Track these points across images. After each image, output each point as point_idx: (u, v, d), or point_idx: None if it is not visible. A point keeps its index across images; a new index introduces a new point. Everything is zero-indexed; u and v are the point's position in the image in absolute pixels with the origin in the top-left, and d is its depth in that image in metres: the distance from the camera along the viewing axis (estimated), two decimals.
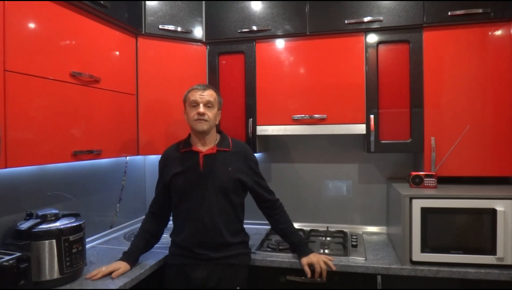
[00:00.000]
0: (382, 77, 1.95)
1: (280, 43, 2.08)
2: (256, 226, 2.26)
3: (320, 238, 2.11)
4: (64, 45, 1.51)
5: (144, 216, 1.81)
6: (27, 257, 1.26)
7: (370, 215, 2.30)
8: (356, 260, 1.73)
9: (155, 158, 2.39)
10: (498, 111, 1.81)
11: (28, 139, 1.34)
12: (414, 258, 1.67)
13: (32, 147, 1.36)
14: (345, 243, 1.97)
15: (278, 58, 2.08)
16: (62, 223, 1.48)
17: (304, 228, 2.28)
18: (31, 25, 1.37)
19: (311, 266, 1.66)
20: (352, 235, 2.11)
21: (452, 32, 1.86)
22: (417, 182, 1.84)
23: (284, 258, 1.78)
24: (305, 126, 2.02)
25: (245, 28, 2.09)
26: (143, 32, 2.02)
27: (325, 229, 2.23)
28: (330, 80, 2.00)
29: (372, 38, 1.95)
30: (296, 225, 2.24)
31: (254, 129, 2.09)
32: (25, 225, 1.41)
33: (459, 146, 1.84)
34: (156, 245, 1.78)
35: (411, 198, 1.68)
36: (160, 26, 2.04)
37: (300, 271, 1.71)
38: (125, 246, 1.75)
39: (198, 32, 2.15)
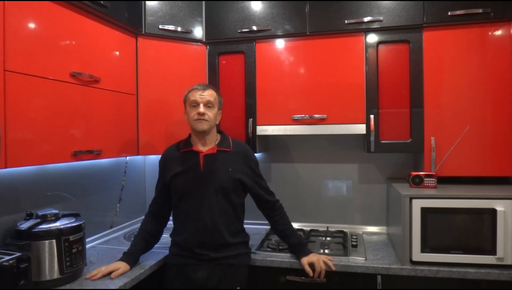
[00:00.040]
0: (382, 77, 1.95)
1: (280, 43, 2.08)
2: (256, 226, 2.26)
3: (320, 238, 2.11)
4: (64, 45, 1.51)
5: (143, 216, 1.81)
6: (27, 257, 1.26)
7: (370, 215, 2.30)
8: (356, 260, 1.73)
9: (155, 158, 2.39)
10: (498, 111, 1.81)
11: (28, 139, 1.34)
12: (414, 258, 1.67)
13: (32, 147, 1.36)
14: (345, 243, 1.97)
15: (278, 58, 2.08)
16: (62, 223, 1.48)
17: (304, 228, 2.28)
18: (31, 25, 1.37)
19: (311, 265, 1.66)
20: (352, 235, 2.11)
21: (452, 32, 1.86)
22: (417, 182, 1.84)
23: (284, 258, 1.78)
24: (305, 126, 2.02)
25: (245, 28, 2.09)
26: (143, 32, 2.02)
27: (325, 229, 2.23)
28: (330, 80, 2.00)
29: (372, 38, 1.95)
30: (296, 225, 2.26)
31: (254, 129, 2.09)
32: (25, 225, 1.41)
33: (459, 146, 1.84)
34: (156, 245, 1.78)
35: (411, 198, 1.68)
36: (160, 26, 2.04)
37: (300, 271, 1.71)
38: (125, 246, 1.75)
39: (198, 32, 2.15)
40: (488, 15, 1.79)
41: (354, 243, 1.95)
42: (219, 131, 1.77)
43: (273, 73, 2.08)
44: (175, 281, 1.65)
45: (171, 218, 1.79)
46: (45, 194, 1.72)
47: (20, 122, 1.31)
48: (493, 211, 1.60)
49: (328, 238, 2.09)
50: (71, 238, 1.46)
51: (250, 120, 2.09)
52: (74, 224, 1.49)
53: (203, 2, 2.16)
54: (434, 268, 1.63)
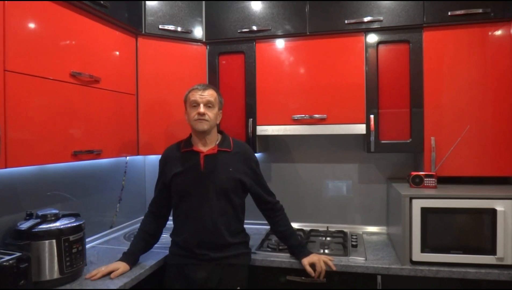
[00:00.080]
0: (382, 77, 1.95)
1: (280, 43, 2.08)
2: (256, 226, 2.26)
3: (320, 238, 2.11)
4: (64, 45, 1.51)
5: (143, 216, 1.81)
6: (27, 257, 1.26)
7: (370, 215, 2.30)
8: (356, 260, 1.73)
9: (155, 158, 2.39)
10: (498, 111, 1.81)
11: (28, 139, 1.34)
12: (414, 258, 1.67)
13: (32, 147, 1.36)
14: (345, 243, 1.97)
15: (278, 58, 2.08)
16: (62, 223, 1.48)
17: (304, 228, 2.28)
18: (31, 25, 1.37)
19: (312, 266, 1.66)
20: (352, 235, 2.11)
21: (452, 32, 1.86)
22: (417, 182, 1.84)
23: (284, 258, 1.78)
24: (305, 126, 2.02)
25: (245, 28, 2.09)
26: (143, 32, 2.02)
27: (325, 229, 2.23)
28: (330, 80, 2.00)
29: (372, 38, 1.95)
30: (296, 225, 2.26)
31: (254, 129, 2.09)
32: (25, 225, 1.41)
33: (459, 146, 1.84)
34: (156, 245, 1.78)
35: (411, 198, 1.68)
36: (160, 26, 2.04)
37: (300, 271, 1.71)
38: (125, 246, 1.75)
39: (198, 32, 2.15)
40: (488, 15, 1.79)
41: (354, 243, 1.95)
42: (219, 131, 1.77)
43: (273, 73, 2.08)
44: (175, 281, 1.65)
45: (170, 218, 1.79)
46: (45, 194, 1.72)
47: (20, 122, 1.31)
48: (493, 211, 1.60)
49: (328, 238, 2.09)
50: (71, 238, 1.46)
51: (250, 120, 2.09)
52: (74, 224, 1.49)
53: (203, 2, 2.16)
54: (434, 268, 1.63)
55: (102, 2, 1.66)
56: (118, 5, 1.80)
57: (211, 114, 1.63)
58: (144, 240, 1.71)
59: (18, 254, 1.24)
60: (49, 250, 1.40)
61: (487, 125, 1.82)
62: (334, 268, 1.67)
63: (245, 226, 1.77)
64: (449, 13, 1.83)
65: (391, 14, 1.91)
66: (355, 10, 1.95)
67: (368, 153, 1.97)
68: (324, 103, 2.00)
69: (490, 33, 1.82)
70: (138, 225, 1.79)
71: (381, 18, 1.91)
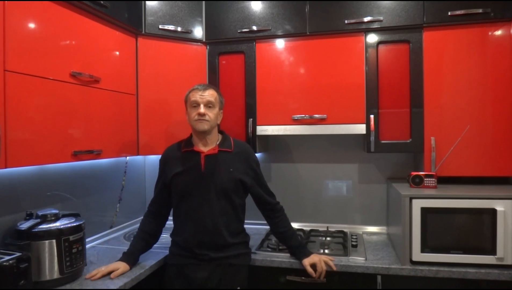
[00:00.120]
0: (382, 77, 1.95)
1: (280, 43, 2.08)
2: (256, 226, 2.26)
3: (320, 238, 2.11)
4: (64, 45, 1.51)
5: (142, 216, 1.81)
6: (27, 257, 1.26)
7: (370, 215, 2.30)
8: (356, 260, 1.73)
9: (155, 158, 2.39)
10: (498, 111, 1.81)
11: (28, 139, 1.34)
12: (414, 258, 1.67)
13: (32, 147, 1.36)
14: (345, 243, 1.97)
15: (278, 58, 2.08)
16: (62, 223, 1.48)
17: (304, 228, 2.28)
18: (31, 25, 1.37)
19: (313, 266, 1.66)
20: (352, 235, 2.11)
21: (452, 32, 1.86)
22: (417, 182, 1.84)
23: (284, 258, 1.78)
24: (305, 126, 2.02)
25: (245, 28, 2.09)
26: (143, 32, 2.02)
27: (325, 229, 2.23)
28: (330, 80, 2.00)
29: (372, 38, 1.95)
30: (296, 225, 2.26)
31: (254, 129, 2.09)
32: (25, 225, 1.41)
33: (459, 146, 1.84)
34: (156, 245, 1.78)
35: (411, 198, 1.68)
36: (160, 26, 2.04)
37: (300, 271, 1.71)
38: (125, 246, 1.75)
39: (198, 32, 2.15)
40: (488, 15, 1.79)
41: (354, 243, 1.95)
42: (220, 131, 1.77)
43: (273, 73, 2.08)
44: (175, 281, 1.65)
45: (170, 218, 1.78)
46: (45, 194, 1.72)
47: (20, 122, 1.31)
48: (493, 211, 1.60)
49: (328, 238, 2.09)
50: (71, 238, 1.46)
51: (250, 120, 2.09)
52: (74, 224, 1.49)
53: (203, 2, 2.16)
54: (434, 268, 1.63)
55: (102, 2, 1.66)
56: (118, 5, 1.80)
57: (211, 114, 1.63)
58: (144, 240, 1.71)
59: (18, 254, 1.24)
60: (49, 250, 1.40)
61: (487, 125, 1.82)
62: (334, 268, 1.67)
63: (245, 226, 1.77)
64: (449, 13, 1.83)
65: (391, 14, 1.91)
66: (355, 10, 1.95)
67: (368, 153, 1.97)
68: (324, 103, 2.00)
69: (490, 33, 1.82)
70: (138, 225, 1.79)
71: (381, 18, 1.91)
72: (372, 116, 1.93)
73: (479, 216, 1.63)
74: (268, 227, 1.84)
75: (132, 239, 1.77)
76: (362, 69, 1.96)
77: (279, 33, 2.05)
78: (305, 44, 2.04)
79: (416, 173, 1.85)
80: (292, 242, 1.75)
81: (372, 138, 1.93)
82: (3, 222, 1.49)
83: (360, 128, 1.96)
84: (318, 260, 1.67)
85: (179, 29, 2.08)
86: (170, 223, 1.78)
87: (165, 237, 1.85)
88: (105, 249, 1.92)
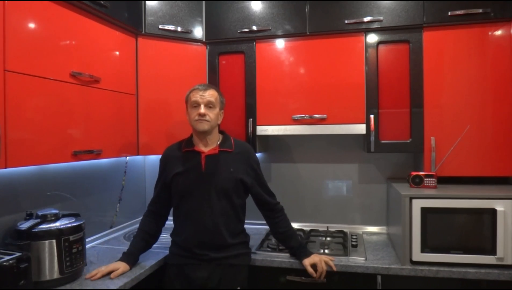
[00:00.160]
0: (382, 77, 1.95)
1: (280, 43, 2.08)
2: (256, 226, 2.26)
3: (320, 238, 2.11)
4: (64, 45, 1.51)
5: (142, 216, 1.81)
6: (27, 257, 1.26)
7: (370, 215, 2.30)
8: (356, 260, 1.73)
9: (155, 158, 2.39)
10: (498, 111, 1.81)
11: (28, 139, 1.34)
12: (414, 258, 1.67)
13: (32, 147, 1.36)
14: (345, 243, 1.97)
15: (278, 58, 2.08)
16: (62, 223, 1.48)
17: (304, 228, 2.28)
18: (31, 25, 1.37)
19: (313, 266, 1.66)
20: (352, 235, 2.11)
21: (452, 32, 1.86)
22: (417, 182, 1.84)
23: (284, 258, 1.77)
24: (305, 126, 2.02)
25: (245, 28, 2.09)
26: (143, 32, 2.02)
27: (325, 229, 2.23)
28: (330, 80, 2.00)
29: (372, 38, 1.95)
30: (296, 225, 2.26)
31: (254, 129, 2.09)
32: (25, 225, 1.41)
33: (459, 146, 1.84)
34: (156, 245, 1.78)
35: (411, 198, 1.68)
36: (160, 26, 2.04)
37: (300, 271, 1.71)
38: (125, 246, 1.75)
39: (198, 32, 2.15)
40: (488, 15, 1.79)
41: (354, 243, 1.95)
42: (220, 131, 1.76)
43: (273, 73, 2.08)
44: (175, 281, 1.65)
45: (170, 218, 1.78)
46: (45, 194, 1.72)
47: (20, 122, 1.31)
48: (493, 211, 1.60)
49: (328, 238, 2.09)
50: (71, 238, 1.46)
51: (250, 120, 2.09)
52: (74, 224, 1.49)
53: (203, 2, 2.16)
54: (434, 268, 1.63)
55: (102, 2, 1.66)
56: (118, 5, 1.80)
57: (212, 114, 1.63)
58: (143, 240, 1.71)
59: (18, 254, 1.24)
60: (49, 250, 1.40)
61: (487, 125, 1.82)
62: (334, 269, 1.67)
63: (245, 226, 1.77)
64: (449, 13, 1.83)
65: (391, 14, 1.91)
66: (355, 10, 1.95)
67: (368, 153, 1.97)
68: (324, 103, 2.00)
69: (490, 33, 1.82)
70: (138, 225, 1.79)
71: (381, 18, 1.91)
72: (372, 116, 1.93)
73: (479, 216, 1.63)
74: (268, 227, 1.83)
75: (132, 239, 1.77)
76: (362, 69, 1.96)
77: (279, 33, 2.05)
78: (305, 44, 2.04)
79: (416, 173, 1.85)
80: (292, 242, 1.75)
81: (372, 138, 1.93)
82: (3, 222, 1.49)
83: (360, 128, 1.96)
84: (319, 260, 1.67)
85: (179, 29, 2.08)
86: (170, 223, 1.78)
87: (165, 237, 1.85)
88: (105, 249, 1.92)
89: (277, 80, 2.07)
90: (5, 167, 1.25)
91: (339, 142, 2.33)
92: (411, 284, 1.65)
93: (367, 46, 1.96)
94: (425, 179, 1.83)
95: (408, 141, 1.92)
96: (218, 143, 1.70)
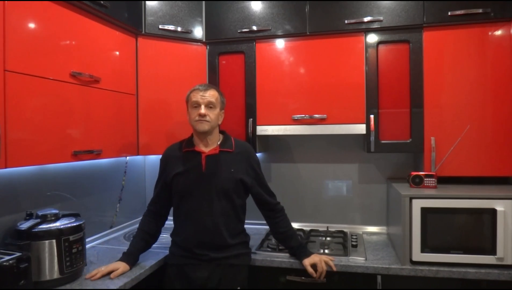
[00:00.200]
0: (382, 77, 1.95)
1: (280, 43, 2.08)
2: (256, 226, 2.26)
3: (320, 238, 2.11)
4: (64, 45, 1.51)
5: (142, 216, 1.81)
6: (27, 257, 1.26)
7: (370, 215, 2.30)
8: (356, 260, 1.73)
9: (155, 158, 2.39)
10: (498, 111, 1.81)
11: (28, 139, 1.34)
12: (414, 258, 1.67)
13: (32, 147, 1.36)
14: (345, 243, 1.97)
15: (278, 58, 2.08)
16: (62, 223, 1.48)
17: (304, 228, 2.28)
18: (31, 25, 1.37)
19: (313, 266, 1.66)
20: (352, 235, 2.11)
21: (452, 32, 1.86)
22: (417, 182, 1.84)
23: (284, 258, 1.77)
24: (305, 126, 2.02)
25: (245, 28, 2.09)
26: (143, 32, 2.02)
27: (325, 229, 2.23)
28: (330, 80, 2.00)
29: (372, 38, 1.95)
30: (296, 225, 2.26)
31: (254, 129, 2.09)
32: (25, 225, 1.41)
33: (459, 146, 1.84)
34: (156, 245, 1.78)
35: (411, 198, 1.68)
36: (160, 26, 2.04)
37: (300, 271, 1.71)
38: (125, 246, 1.75)
39: (198, 32, 2.15)
40: (488, 15, 1.79)
41: (354, 243, 1.95)
42: (221, 131, 1.76)
43: (273, 73, 2.08)
44: (175, 281, 1.65)
45: (170, 218, 1.78)
46: (45, 194, 1.72)
47: (20, 122, 1.31)
48: (493, 211, 1.60)
49: (328, 238, 2.09)
50: (71, 238, 1.46)
51: (250, 120, 2.09)
52: (74, 224, 1.49)
53: (203, 2, 2.16)
54: (434, 268, 1.63)
55: (102, 2, 1.66)
56: (118, 5, 1.80)
57: (212, 115, 1.62)
58: (143, 240, 1.71)
59: (18, 254, 1.24)
60: (49, 250, 1.40)
61: (487, 125, 1.82)
62: (334, 269, 1.67)
63: (245, 226, 1.77)
64: (449, 13, 1.83)
65: (391, 14, 1.91)
66: (355, 10, 1.95)
67: (368, 153, 1.97)
68: (324, 103, 2.00)
69: (490, 33, 1.82)
70: (138, 225, 1.79)
71: (381, 18, 1.91)
72: (372, 116, 1.93)
73: (479, 216, 1.63)
74: (268, 227, 1.83)
75: (132, 239, 1.77)
76: (362, 69, 1.96)
77: (279, 33, 2.05)
78: (305, 44, 2.04)
79: (416, 173, 1.85)
80: (292, 242, 1.75)
81: (372, 138, 1.93)
82: (3, 222, 1.49)
83: (360, 128, 1.96)
84: (319, 260, 1.67)
85: (179, 29, 2.08)
86: (170, 223, 1.78)
87: (165, 237, 1.84)
88: (105, 249, 1.91)
89: (277, 80, 2.07)
90: (5, 167, 1.25)
91: (339, 142, 2.33)
92: (411, 284, 1.65)
93: (367, 46, 1.96)
94: (425, 179, 1.83)
95: (408, 141, 1.92)
96: (219, 143, 1.70)
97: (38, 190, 1.69)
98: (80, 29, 1.60)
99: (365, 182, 2.31)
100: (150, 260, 1.71)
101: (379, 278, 1.68)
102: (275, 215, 1.76)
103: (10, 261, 1.19)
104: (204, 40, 2.16)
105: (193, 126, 1.65)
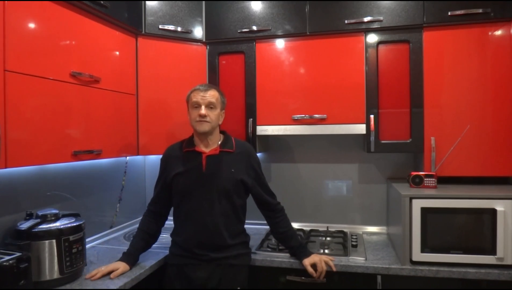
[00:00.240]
0: (382, 77, 1.95)
1: (280, 43, 2.08)
2: (256, 226, 2.26)
3: (320, 238, 2.11)
4: (64, 45, 1.51)
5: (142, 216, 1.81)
6: (27, 257, 1.26)
7: (370, 215, 2.30)
8: (356, 260, 1.73)
9: (155, 158, 2.39)
10: (498, 111, 1.81)
11: (28, 139, 1.34)
12: (414, 258, 1.67)
13: (32, 147, 1.36)
14: (345, 243, 1.97)
15: (278, 58, 2.08)
16: (62, 223, 1.48)
17: (304, 228, 2.28)
18: (31, 25, 1.37)
19: (313, 266, 1.66)
20: (352, 235, 2.11)
21: (452, 32, 1.86)
22: (417, 182, 1.84)
23: (284, 258, 1.77)
24: (305, 126, 2.02)
25: (245, 28, 2.09)
26: (143, 32, 2.02)
27: (325, 229, 2.23)
28: (330, 80, 2.00)
29: (372, 38, 1.95)
30: (296, 225, 2.26)
31: (254, 129, 2.09)
32: (25, 225, 1.41)
33: (459, 146, 1.84)
34: (156, 245, 1.78)
35: (411, 198, 1.68)
36: (160, 26, 2.04)
37: (300, 271, 1.71)
38: (125, 246, 1.75)
39: (198, 32, 2.15)
40: (488, 15, 1.79)
41: (354, 243, 1.95)
42: (222, 132, 1.76)
43: (273, 73, 2.08)
44: (175, 281, 1.65)
45: (170, 218, 1.78)
46: (45, 194, 1.72)
47: (20, 122, 1.31)
48: (493, 211, 1.60)
49: (328, 238, 2.09)
50: (71, 238, 1.46)
51: (250, 120, 2.09)
52: (74, 224, 1.49)
53: (203, 2, 2.16)
54: (434, 268, 1.63)
55: (102, 2, 1.66)
56: (118, 5, 1.80)
57: (212, 115, 1.62)
58: (143, 240, 1.71)
59: (18, 254, 1.24)
60: (49, 250, 1.40)
61: (487, 125, 1.82)
62: (334, 269, 1.67)
63: (245, 226, 1.76)
64: (449, 13, 1.83)
65: (391, 14, 1.91)
66: (355, 10, 1.95)
67: (368, 153, 1.97)
68: (324, 103, 2.00)
69: (490, 33, 1.82)
70: (138, 225, 1.79)
71: (381, 18, 1.91)
72: (372, 116, 1.93)
73: (479, 216, 1.63)
74: (268, 227, 1.83)
75: (132, 239, 1.77)
76: (362, 69, 1.96)
77: (279, 33, 2.05)
78: (305, 44, 2.04)
79: (416, 173, 1.85)
80: (292, 242, 1.75)
81: (372, 138, 1.93)
82: (3, 222, 1.49)
83: (360, 128, 1.96)
84: (319, 260, 1.67)
85: (179, 29, 2.08)
86: (170, 223, 1.78)
87: (165, 237, 1.84)
88: (105, 249, 1.91)
89: (277, 80, 2.07)
90: (5, 167, 1.25)
91: (339, 142, 2.33)
92: (411, 284, 1.65)
93: (367, 46, 1.96)
94: (425, 179, 1.83)
95: (408, 141, 1.92)
96: (219, 143, 1.70)
97: (38, 190, 1.69)
98: (80, 29, 1.60)
99: (365, 182, 2.31)
100: (150, 260, 1.71)
101: (379, 278, 1.68)
102: (275, 215, 1.76)
103: (10, 261, 1.19)
104: (204, 40, 2.16)
105: (193, 127, 1.65)
